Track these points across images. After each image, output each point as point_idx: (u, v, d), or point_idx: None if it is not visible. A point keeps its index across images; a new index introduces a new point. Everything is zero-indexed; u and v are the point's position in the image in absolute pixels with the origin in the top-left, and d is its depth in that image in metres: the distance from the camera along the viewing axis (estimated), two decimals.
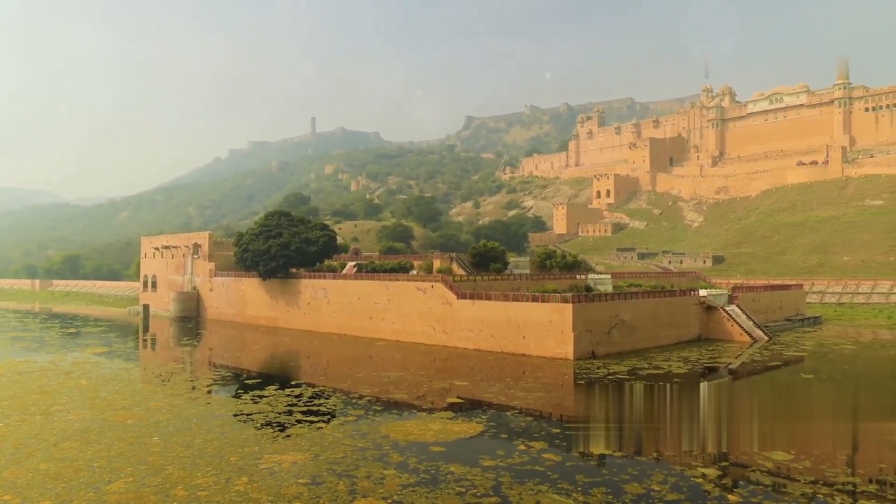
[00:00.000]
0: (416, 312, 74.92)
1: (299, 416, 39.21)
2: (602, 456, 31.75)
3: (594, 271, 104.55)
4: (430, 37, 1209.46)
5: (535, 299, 64.48)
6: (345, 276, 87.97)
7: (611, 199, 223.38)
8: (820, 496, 25.92)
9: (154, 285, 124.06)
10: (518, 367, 57.69)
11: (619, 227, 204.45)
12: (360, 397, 45.39)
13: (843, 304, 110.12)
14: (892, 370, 62.40)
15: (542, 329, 62.33)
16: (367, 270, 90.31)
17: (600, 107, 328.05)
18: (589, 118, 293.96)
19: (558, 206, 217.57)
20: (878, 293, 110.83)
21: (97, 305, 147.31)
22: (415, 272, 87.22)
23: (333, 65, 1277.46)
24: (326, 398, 45.54)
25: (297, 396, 45.20)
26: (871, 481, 28.01)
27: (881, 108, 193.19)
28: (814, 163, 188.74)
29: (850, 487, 26.93)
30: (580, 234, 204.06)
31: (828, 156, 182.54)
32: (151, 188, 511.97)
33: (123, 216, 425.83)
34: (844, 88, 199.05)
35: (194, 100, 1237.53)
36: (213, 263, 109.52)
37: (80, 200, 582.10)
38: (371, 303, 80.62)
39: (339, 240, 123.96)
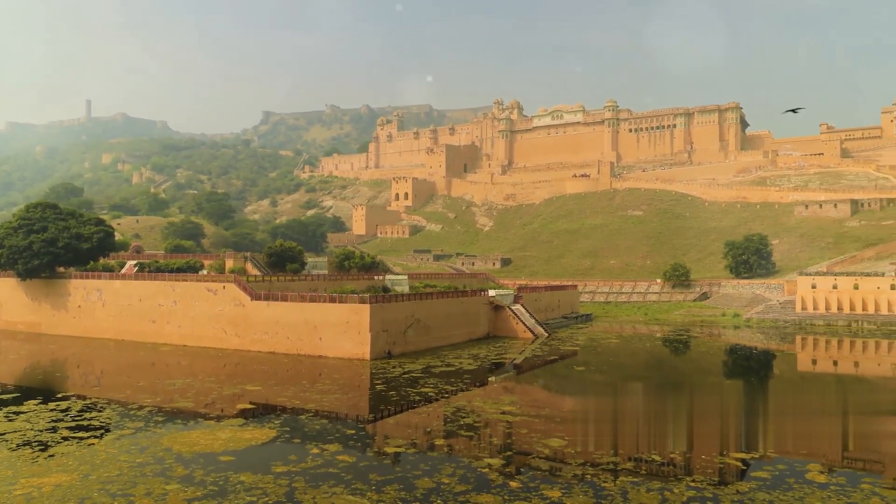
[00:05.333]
0: (207, 315, 70.85)
1: (66, 433, 35.22)
2: (396, 454, 32.39)
3: (392, 272, 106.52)
4: (225, 23, 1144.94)
5: (332, 300, 64.21)
6: (124, 276, 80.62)
7: (409, 202, 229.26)
8: (588, 476, 28.78)
9: None
10: (315, 369, 56.95)
11: (416, 229, 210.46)
12: (140, 408, 41.82)
13: (610, 302, 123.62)
14: (647, 360, 71.34)
15: (340, 330, 62.20)
16: (151, 270, 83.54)
17: (400, 111, 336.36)
18: (389, 121, 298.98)
19: (357, 207, 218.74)
20: (637, 292, 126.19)
21: None
22: (205, 272, 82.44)
23: (113, 41, 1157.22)
24: (100, 411, 41.39)
25: (63, 411, 40.56)
26: (629, 459, 31.73)
27: (641, 129, 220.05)
28: (584, 175, 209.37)
29: (611, 466, 30.26)
30: (379, 235, 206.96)
31: (598, 170, 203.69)
32: None
33: None
34: (612, 110, 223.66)
35: None
36: None
37: None
38: (154, 305, 74.71)
39: (119, 236, 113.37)
